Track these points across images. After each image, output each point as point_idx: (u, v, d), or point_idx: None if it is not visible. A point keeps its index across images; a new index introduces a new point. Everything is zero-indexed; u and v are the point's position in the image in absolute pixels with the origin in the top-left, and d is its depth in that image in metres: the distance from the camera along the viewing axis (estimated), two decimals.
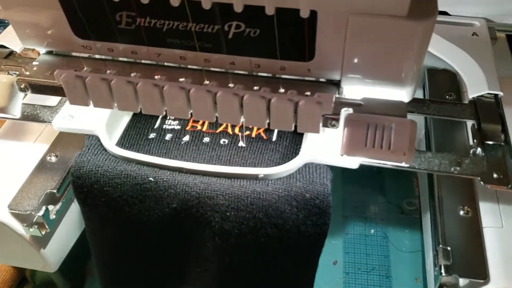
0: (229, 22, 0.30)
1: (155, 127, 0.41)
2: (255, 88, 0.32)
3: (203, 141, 0.40)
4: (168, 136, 0.40)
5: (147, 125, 0.41)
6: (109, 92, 0.32)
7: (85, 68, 0.34)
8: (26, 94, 0.37)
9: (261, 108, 0.31)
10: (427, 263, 0.43)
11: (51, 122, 0.39)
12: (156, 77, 0.33)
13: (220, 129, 0.41)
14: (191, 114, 0.33)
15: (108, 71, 0.33)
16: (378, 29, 0.28)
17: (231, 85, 0.32)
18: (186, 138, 0.40)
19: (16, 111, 0.37)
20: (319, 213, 0.34)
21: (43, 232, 0.40)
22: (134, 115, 0.42)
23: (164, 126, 0.41)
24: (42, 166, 0.44)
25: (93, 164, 0.36)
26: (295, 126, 0.32)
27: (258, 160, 0.38)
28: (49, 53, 0.36)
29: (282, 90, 0.32)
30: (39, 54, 0.37)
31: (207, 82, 0.33)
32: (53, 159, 0.44)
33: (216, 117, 0.33)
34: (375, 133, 0.31)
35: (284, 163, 0.36)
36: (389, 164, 0.33)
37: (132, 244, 0.40)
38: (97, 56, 0.35)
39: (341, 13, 0.28)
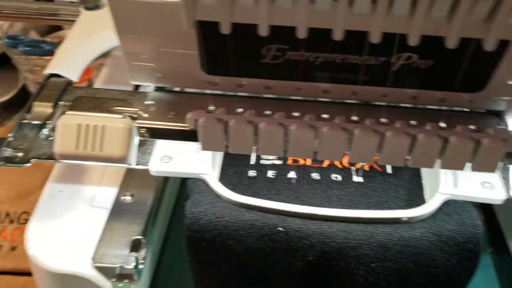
0: (400, 53, 0.27)
1: (251, 163, 0.37)
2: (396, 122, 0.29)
3: (312, 177, 0.36)
4: (270, 173, 0.36)
5: (242, 161, 0.37)
6: (254, 136, 0.27)
7: (211, 107, 0.29)
8: (144, 140, 0.31)
9: (405, 145, 0.27)
10: None
11: (146, 166, 0.33)
12: (295, 113, 0.28)
13: (327, 162, 0.37)
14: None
15: (239, 109, 0.28)
16: None
17: (383, 119, 0.29)
18: (292, 174, 0.36)
19: (133, 159, 0.32)
20: (471, 257, 0.31)
21: (133, 286, 0.35)
22: None
23: (262, 162, 0.37)
24: (119, 209, 0.38)
25: (212, 215, 0.31)
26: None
27: (384, 198, 0.34)
28: (159, 89, 0.31)
29: (443, 125, 0.29)
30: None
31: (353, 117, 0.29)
32: (129, 199, 0.39)
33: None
34: None
35: (413, 199, 0.33)
36: None
37: None
38: (216, 92, 0.30)
39: None
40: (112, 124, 0.30)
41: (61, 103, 0.38)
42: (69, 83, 0.40)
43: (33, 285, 0.41)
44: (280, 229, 0.31)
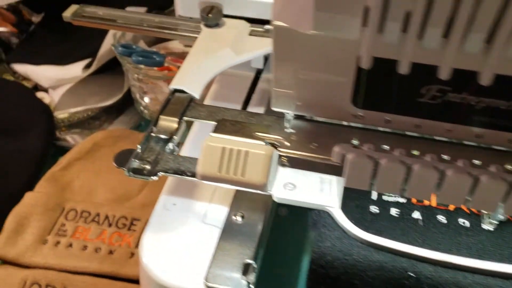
0: None
1: (373, 197, 0.35)
2: None
3: (439, 220, 0.34)
4: (393, 211, 0.35)
5: (363, 195, 0.35)
6: (405, 177, 0.26)
7: (355, 141, 0.28)
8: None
9: None
10: None
11: (269, 192, 0.33)
12: (444, 156, 0.27)
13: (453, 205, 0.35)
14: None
15: (385, 146, 0.27)
16: None
17: None
18: (416, 215, 0.34)
19: (272, 187, 0.31)
20: None
21: None
22: None
23: (384, 198, 0.35)
24: (230, 229, 0.38)
25: (339, 252, 0.30)
26: None
27: None
28: (299, 117, 0.31)
29: None
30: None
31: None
32: (239, 220, 0.39)
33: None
34: None
35: None
36: None
37: None
38: (358, 125, 0.29)
39: None
40: (256, 150, 0.30)
41: (185, 118, 0.39)
42: (192, 99, 0.40)
43: None
44: (411, 274, 0.29)
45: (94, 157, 0.62)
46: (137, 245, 0.52)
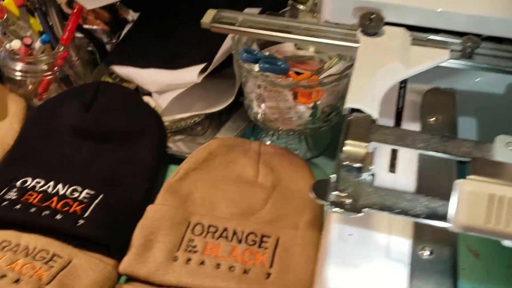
0: None
1: None
2: None
3: None
4: None
5: None
6: None
7: None
8: None
9: None
10: None
11: None
12: None
13: None
14: None
15: None
16: None
17: None
18: None
19: None
20: None
21: None
22: None
23: None
24: (419, 266, 0.36)
25: None
26: None
27: None
28: None
29: None
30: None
31: None
32: (427, 254, 0.35)
33: None
34: None
35: None
36: None
37: None
38: None
39: None
40: None
41: (371, 143, 0.36)
42: (373, 120, 0.37)
43: None
44: None
45: (209, 167, 0.60)
46: (271, 265, 0.50)
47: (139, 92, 0.69)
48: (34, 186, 0.53)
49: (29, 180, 0.54)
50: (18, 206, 0.51)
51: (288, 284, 0.48)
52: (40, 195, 0.52)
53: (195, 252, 0.51)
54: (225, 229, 0.53)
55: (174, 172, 0.59)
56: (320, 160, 0.65)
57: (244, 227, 0.53)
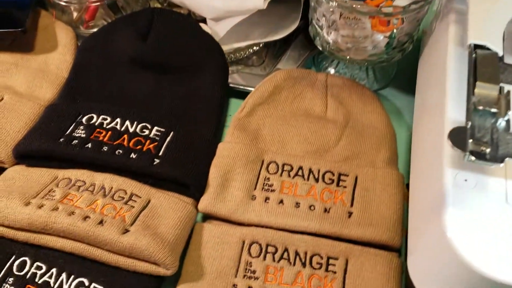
0: None
1: None
2: None
3: None
4: None
5: None
6: None
7: None
8: None
9: None
10: None
11: None
12: None
13: None
14: None
15: None
16: None
17: None
18: None
19: None
20: None
21: None
22: None
23: None
24: None
25: None
26: None
27: None
28: None
29: None
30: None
31: None
32: None
33: None
34: None
35: None
36: None
37: None
38: None
39: None
40: None
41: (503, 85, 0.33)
42: (500, 58, 0.34)
43: None
44: None
45: (276, 101, 0.57)
46: (352, 204, 0.49)
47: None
48: (101, 123, 0.51)
49: (95, 117, 0.52)
50: (89, 145, 0.49)
51: (372, 223, 0.47)
52: (110, 132, 0.50)
53: (273, 191, 0.49)
54: (300, 167, 0.51)
55: (240, 107, 0.56)
56: (387, 91, 0.62)
57: (320, 165, 0.51)
